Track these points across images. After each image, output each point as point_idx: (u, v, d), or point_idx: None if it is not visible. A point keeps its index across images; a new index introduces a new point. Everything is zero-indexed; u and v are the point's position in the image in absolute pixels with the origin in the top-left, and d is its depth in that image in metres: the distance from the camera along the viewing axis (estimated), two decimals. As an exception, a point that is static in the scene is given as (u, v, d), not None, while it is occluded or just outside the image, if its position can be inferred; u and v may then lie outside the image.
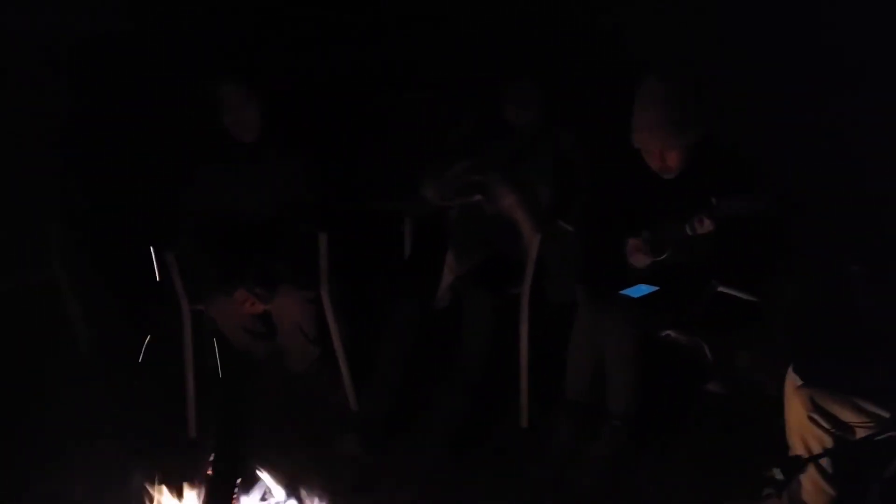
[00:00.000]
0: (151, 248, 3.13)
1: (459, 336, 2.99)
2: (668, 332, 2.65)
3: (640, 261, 2.64)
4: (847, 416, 2.07)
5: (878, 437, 1.99)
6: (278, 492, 2.22)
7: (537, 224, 3.03)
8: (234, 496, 1.98)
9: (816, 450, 2.14)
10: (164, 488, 1.93)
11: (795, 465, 2.06)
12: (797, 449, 2.21)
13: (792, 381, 2.19)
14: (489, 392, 2.99)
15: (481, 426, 2.97)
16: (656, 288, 2.66)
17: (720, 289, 2.61)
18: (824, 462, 2.14)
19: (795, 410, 2.17)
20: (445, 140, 3.33)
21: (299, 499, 2.21)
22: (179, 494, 1.96)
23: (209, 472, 1.96)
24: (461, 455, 2.84)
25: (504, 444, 2.93)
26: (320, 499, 2.24)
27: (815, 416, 2.10)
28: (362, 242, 3.58)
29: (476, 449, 2.90)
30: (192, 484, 1.97)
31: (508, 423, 3.02)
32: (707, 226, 2.49)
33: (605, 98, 3.40)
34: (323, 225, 3.13)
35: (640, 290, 2.66)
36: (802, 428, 2.16)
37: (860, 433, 2.05)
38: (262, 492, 2.19)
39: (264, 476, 2.21)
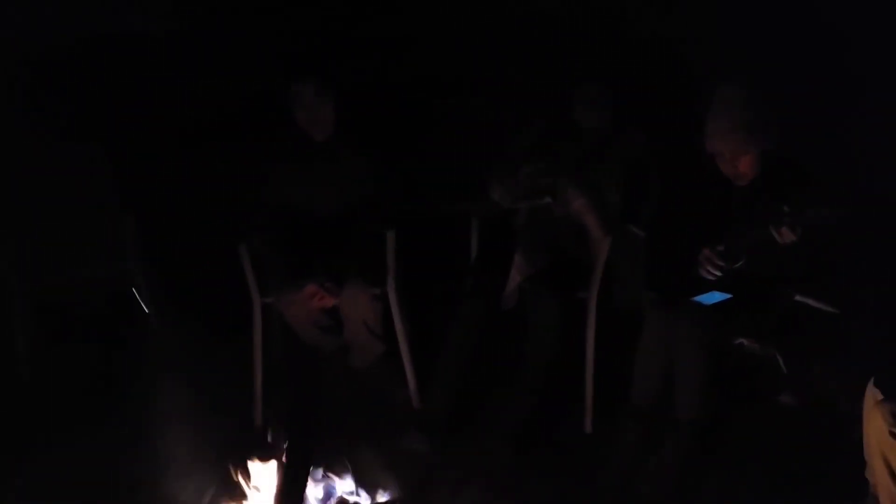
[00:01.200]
0: (225, 242, 3.20)
1: (525, 337, 2.98)
2: (741, 340, 2.60)
3: (712, 273, 2.58)
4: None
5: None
6: (347, 483, 2.24)
7: (606, 228, 3.01)
8: (306, 484, 2.00)
9: (897, 467, 2.07)
10: (241, 472, 1.97)
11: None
12: (876, 465, 2.14)
13: (872, 394, 2.12)
14: (553, 395, 2.97)
15: (545, 428, 2.95)
16: (729, 296, 2.61)
17: (797, 298, 2.54)
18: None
19: (875, 426, 2.11)
20: (515, 142, 3.33)
21: (367, 491, 2.23)
22: (254, 479, 2.00)
23: (283, 459, 1.98)
24: (524, 456, 2.83)
25: (567, 448, 2.90)
26: (386, 491, 2.24)
27: (897, 433, 2.03)
28: (429, 243, 3.59)
29: (539, 451, 2.88)
30: (267, 472, 2.00)
31: (572, 427, 3.00)
32: (788, 234, 2.43)
33: (676, 101, 3.39)
34: (391, 223, 3.17)
35: (712, 298, 2.62)
36: (882, 444, 2.10)
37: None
38: (331, 482, 2.21)
39: (334, 467, 2.24)
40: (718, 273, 2.58)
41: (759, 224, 2.51)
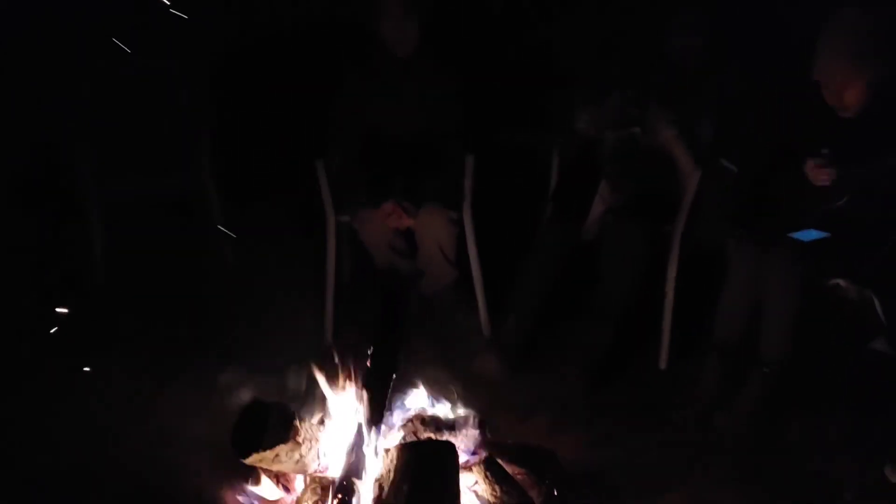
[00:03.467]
0: (302, 158, 3.17)
1: (605, 269, 2.90)
2: (838, 281, 2.48)
3: (828, 178, 2.44)
4: None
5: None
6: (422, 398, 2.21)
7: (696, 161, 2.89)
8: (388, 395, 1.98)
9: None
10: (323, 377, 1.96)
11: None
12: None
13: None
14: (631, 329, 2.90)
15: (620, 362, 2.89)
16: (827, 234, 2.49)
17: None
18: None
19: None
20: (604, 71, 3.21)
21: (443, 406, 2.20)
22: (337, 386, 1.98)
23: (368, 364, 1.96)
24: (599, 386, 2.78)
25: (641, 383, 2.85)
26: (461, 408, 2.22)
27: None
28: (509, 173, 3.52)
29: (613, 384, 2.83)
30: (349, 379, 1.98)
31: (647, 363, 2.93)
32: None
33: (775, 32, 3.21)
34: (470, 146, 3.10)
35: (809, 235, 2.50)
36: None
37: None
38: (407, 396, 2.19)
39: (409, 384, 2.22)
40: (834, 178, 2.44)
41: (865, 161, 2.37)
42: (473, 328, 3.14)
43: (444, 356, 2.87)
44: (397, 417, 2.07)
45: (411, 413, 2.11)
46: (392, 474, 1.80)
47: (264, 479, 1.97)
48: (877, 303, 2.47)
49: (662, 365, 2.91)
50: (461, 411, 2.17)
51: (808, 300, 2.51)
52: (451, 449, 1.84)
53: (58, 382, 2.78)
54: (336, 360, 2.03)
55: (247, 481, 1.96)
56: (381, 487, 1.80)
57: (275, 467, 1.82)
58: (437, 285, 3.19)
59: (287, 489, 1.98)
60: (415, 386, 2.21)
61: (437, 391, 2.29)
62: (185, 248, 3.69)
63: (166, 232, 3.70)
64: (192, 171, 3.65)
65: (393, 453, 1.84)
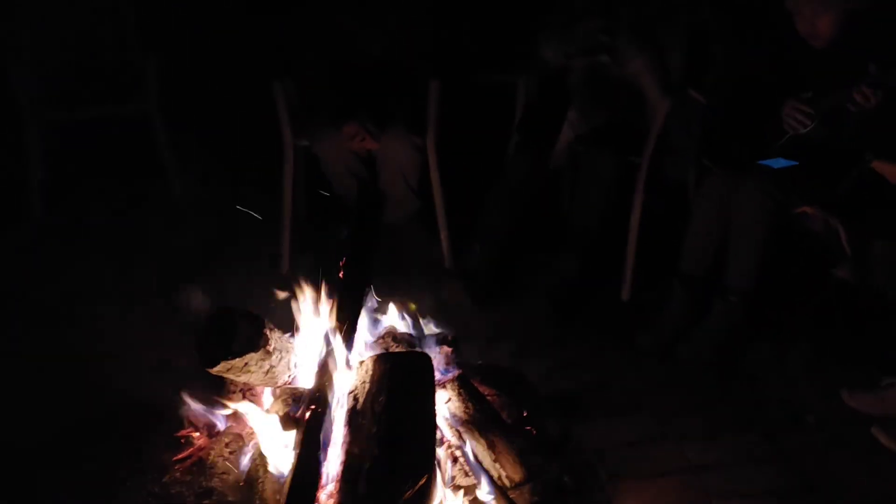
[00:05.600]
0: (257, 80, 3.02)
1: (571, 199, 2.86)
2: (805, 208, 2.49)
3: (802, 123, 2.44)
4: None
5: None
6: (394, 317, 2.14)
7: (665, 91, 2.85)
8: (361, 305, 1.90)
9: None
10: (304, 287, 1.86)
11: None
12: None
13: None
14: (597, 259, 2.88)
15: (587, 291, 2.86)
16: (796, 163, 2.49)
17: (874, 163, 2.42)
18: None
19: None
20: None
21: (414, 325, 2.13)
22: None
23: (340, 275, 1.87)
24: (565, 315, 2.75)
25: (606, 313, 2.83)
26: (432, 328, 2.15)
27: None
28: (474, 105, 3.43)
29: (580, 312, 2.80)
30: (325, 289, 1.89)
31: (614, 293, 2.91)
32: (868, 98, 2.29)
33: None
34: (436, 72, 3.00)
35: (779, 163, 2.50)
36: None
37: None
38: (379, 313, 2.12)
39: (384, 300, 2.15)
40: (808, 123, 2.43)
41: (837, 86, 2.36)
42: (436, 259, 3.06)
43: (407, 284, 2.79)
44: (368, 334, 2.00)
45: (382, 330, 2.04)
46: (367, 385, 1.72)
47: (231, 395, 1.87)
48: (842, 231, 2.48)
49: (625, 296, 2.90)
50: (433, 329, 2.10)
51: (774, 228, 2.51)
52: (427, 361, 1.77)
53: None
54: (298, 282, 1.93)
55: (212, 396, 1.87)
56: (355, 399, 1.72)
57: (243, 378, 1.73)
58: (398, 214, 3.11)
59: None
60: (384, 305, 2.13)
61: (407, 312, 2.23)
62: (129, 177, 3.51)
63: (110, 161, 3.52)
64: (140, 97, 3.44)
65: (368, 364, 1.76)
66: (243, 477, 1.82)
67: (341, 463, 1.61)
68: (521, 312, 2.78)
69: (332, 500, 1.58)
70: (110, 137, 3.51)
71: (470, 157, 3.35)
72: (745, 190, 2.48)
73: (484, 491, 1.82)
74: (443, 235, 3.05)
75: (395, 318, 2.14)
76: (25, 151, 3.30)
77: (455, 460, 1.91)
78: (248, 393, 1.91)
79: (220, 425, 1.92)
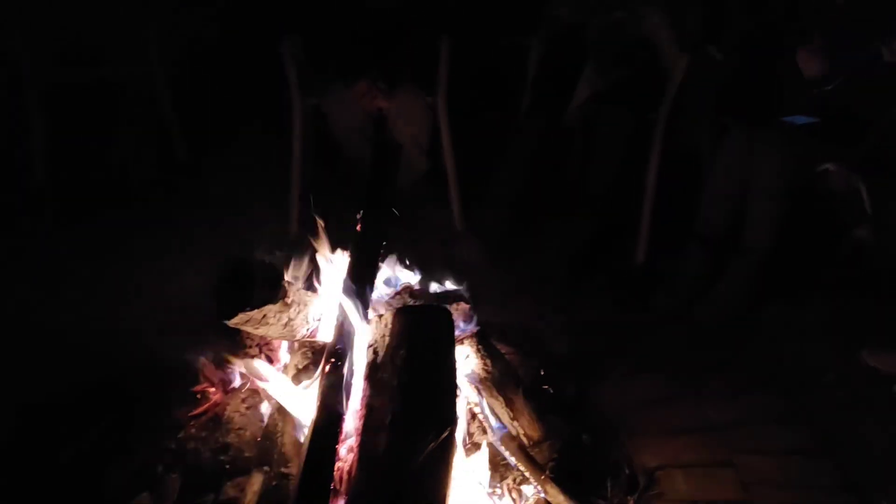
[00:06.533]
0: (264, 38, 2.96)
1: (586, 158, 2.82)
2: (826, 166, 2.45)
3: (815, 69, 2.38)
4: None
5: None
6: (410, 274, 2.11)
7: (683, 46, 2.79)
8: (379, 258, 1.86)
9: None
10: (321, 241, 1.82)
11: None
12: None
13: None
14: (611, 220, 2.84)
15: (602, 251, 2.83)
16: (817, 119, 2.44)
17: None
18: None
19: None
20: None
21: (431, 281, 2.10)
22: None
23: (357, 228, 1.83)
24: (579, 275, 2.72)
25: (624, 273, 2.79)
26: (448, 283, 2.12)
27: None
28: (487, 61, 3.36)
29: (595, 273, 2.77)
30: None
31: (629, 255, 2.87)
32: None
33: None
34: (447, 27, 2.93)
35: (800, 119, 2.45)
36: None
37: None
38: (396, 269, 2.08)
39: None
40: (825, 67, 2.38)
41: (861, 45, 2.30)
42: (447, 220, 3.02)
43: (420, 244, 2.76)
44: (386, 289, 1.96)
45: (399, 286, 2.00)
46: (387, 339, 1.69)
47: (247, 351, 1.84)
48: (863, 189, 2.44)
49: (640, 258, 2.86)
50: (450, 286, 2.07)
51: (794, 186, 2.47)
52: (447, 315, 1.73)
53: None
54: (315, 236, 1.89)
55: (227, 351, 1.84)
56: (375, 352, 1.69)
57: (261, 331, 1.69)
58: (409, 176, 3.05)
59: (270, 360, 1.86)
60: (400, 260, 2.09)
61: (422, 269, 2.19)
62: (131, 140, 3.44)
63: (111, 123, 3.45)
64: (140, 56, 3.36)
65: (388, 318, 1.73)
66: (261, 432, 1.79)
67: (361, 416, 1.58)
68: (535, 273, 2.73)
69: (352, 454, 1.55)
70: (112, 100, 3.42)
71: (481, 116, 3.30)
72: (764, 147, 2.44)
73: (502, 448, 1.80)
74: (454, 196, 3.00)
75: (411, 275, 2.11)
76: (26, 114, 3.22)
77: (473, 417, 1.89)
78: (265, 347, 1.88)
79: (236, 381, 1.89)
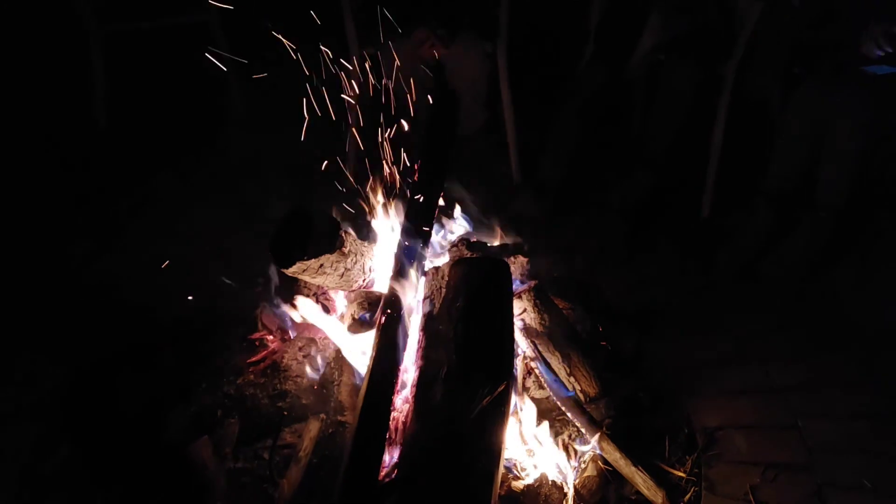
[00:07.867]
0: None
1: (649, 111, 2.72)
2: (906, 121, 2.31)
3: (884, 48, 2.26)
4: None
5: None
6: (466, 224, 2.08)
7: (756, -7, 2.65)
8: (436, 208, 1.84)
9: None
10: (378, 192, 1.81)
11: None
12: None
13: None
14: (673, 174, 2.75)
15: (663, 206, 2.75)
16: (897, 70, 2.30)
17: None
18: None
19: None
20: None
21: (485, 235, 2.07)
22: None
23: (415, 177, 1.81)
24: (640, 230, 2.65)
25: (686, 229, 2.71)
26: (503, 237, 2.09)
27: None
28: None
29: (656, 228, 2.70)
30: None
31: (692, 210, 2.79)
32: None
33: None
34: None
35: (882, 69, 2.31)
36: None
37: None
38: (453, 220, 2.06)
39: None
40: (890, 49, 2.26)
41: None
42: (505, 173, 2.97)
43: (477, 196, 2.72)
44: (442, 240, 1.94)
45: (455, 237, 1.98)
46: (444, 290, 1.68)
47: (303, 298, 1.84)
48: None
49: (705, 213, 2.77)
50: (508, 239, 2.04)
51: (871, 142, 2.35)
52: (505, 267, 1.71)
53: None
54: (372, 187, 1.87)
55: (284, 300, 1.85)
56: (431, 304, 1.68)
57: (318, 280, 1.69)
58: (468, 127, 3.01)
59: (327, 310, 1.86)
60: (458, 211, 2.07)
61: (480, 220, 2.17)
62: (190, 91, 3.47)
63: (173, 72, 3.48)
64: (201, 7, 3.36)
65: (444, 270, 1.71)
66: (318, 380, 1.80)
67: (417, 368, 1.58)
68: (594, 227, 2.67)
69: (407, 405, 1.55)
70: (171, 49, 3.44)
71: (542, 66, 3.21)
72: (841, 100, 2.31)
73: (558, 403, 1.78)
74: (511, 148, 2.94)
75: (468, 227, 2.08)
76: (90, 64, 3.26)
77: (530, 372, 1.87)
78: (322, 297, 1.88)
79: (292, 330, 1.90)
